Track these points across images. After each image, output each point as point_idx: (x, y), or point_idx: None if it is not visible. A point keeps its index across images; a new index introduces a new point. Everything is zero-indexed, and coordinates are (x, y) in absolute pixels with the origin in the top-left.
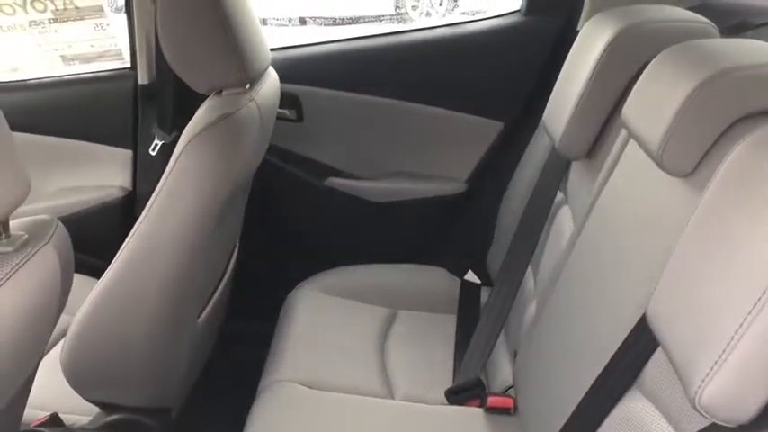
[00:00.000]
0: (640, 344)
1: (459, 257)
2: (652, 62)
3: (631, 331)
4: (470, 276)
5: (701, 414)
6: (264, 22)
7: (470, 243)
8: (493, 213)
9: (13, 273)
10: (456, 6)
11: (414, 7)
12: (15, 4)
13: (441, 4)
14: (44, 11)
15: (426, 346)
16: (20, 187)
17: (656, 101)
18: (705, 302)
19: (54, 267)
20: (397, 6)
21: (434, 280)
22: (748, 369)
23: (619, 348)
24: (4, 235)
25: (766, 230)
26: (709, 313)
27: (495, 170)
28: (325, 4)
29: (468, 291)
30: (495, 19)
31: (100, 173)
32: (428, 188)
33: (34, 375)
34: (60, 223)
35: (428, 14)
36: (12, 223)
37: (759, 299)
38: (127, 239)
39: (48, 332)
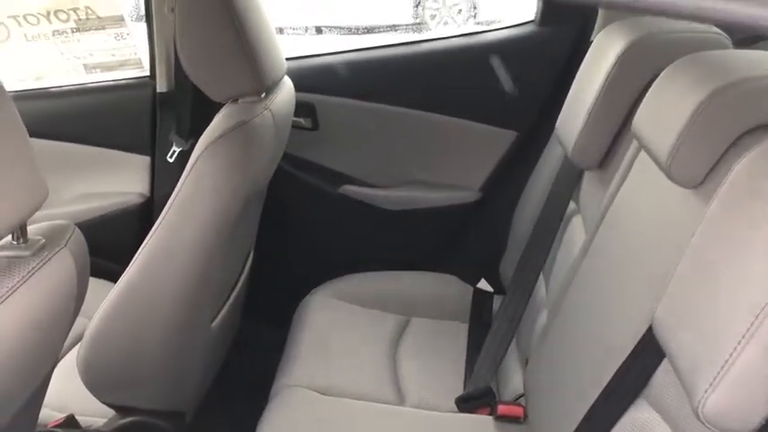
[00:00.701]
0: (648, 354)
1: (472, 265)
2: (663, 73)
3: (639, 341)
4: (483, 285)
5: (704, 424)
6: (281, 31)
7: (483, 251)
8: (506, 222)
9: (30, 276)
10: (475, 15)
11: (432, 16)
12: (39, 14)
13: (459, 13)
14: (67, 21)
15: (438, 354)
16: (37, 192)
17: (665, 111)
18: (708, 313)
19: (70, 271)
20: (415, 16)
21: (447, 288)
22: (750, 380)
23: (627, 358)
24: (22, 239)
25: None
26: (712, 324)
27: (508, 179)
28: (342, 14)
29: (481, 299)
30: (509, 29)
31: (119, 179)
32: (442, 196)
33: (50, 376)
34: (77, 228)
35: (446, 23)
36: (30, 228)
37: (762, 309)
38: (143, 244)
39: (62, 335)
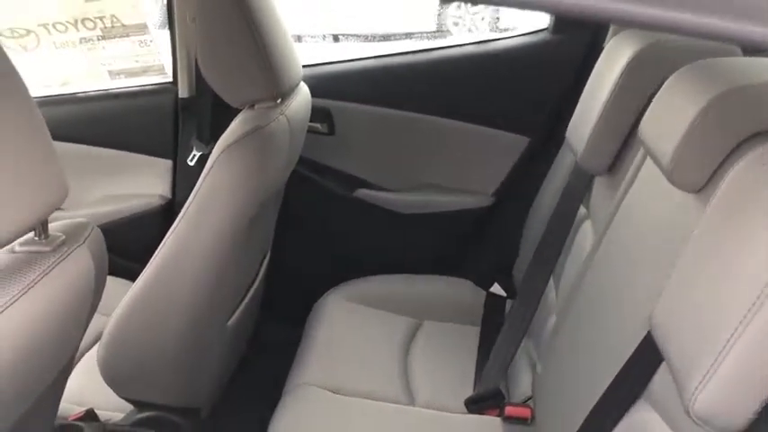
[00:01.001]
0: (648, 355)
1: (485, 270)
2: (668, 79)
3: (640, 343)
4: (496, 289)
5: (695, 422)
6: (299, 39)
7: (497, 256)
8: (519, 227)
9: (50, 270)
10: (497, 22)
11: (455, 23)
12: (68, 22)
13: (482, 20)
14: (93, 28)
15: (449, 356)
16: (58, 191)
17: (669, 117)
18: (700, 314)
19: (88, 268)
20: (437, 23)
21: (460, 291)
22: (739, 378)
23: (628, 359)
24: (43, 235)
25: (756, 245)
26: (703, 325)
27: (521, 184)
28: (361, 22)
29: (493, 303)
30: (522, 36)
31: (142, 181)
32: (455, 201)
33: (69, 370)
34: (96, 227)
35: (470, 30)
36: (50, 225)
37: (749, 309)
38: (161, 245)
39: (80, 328)
